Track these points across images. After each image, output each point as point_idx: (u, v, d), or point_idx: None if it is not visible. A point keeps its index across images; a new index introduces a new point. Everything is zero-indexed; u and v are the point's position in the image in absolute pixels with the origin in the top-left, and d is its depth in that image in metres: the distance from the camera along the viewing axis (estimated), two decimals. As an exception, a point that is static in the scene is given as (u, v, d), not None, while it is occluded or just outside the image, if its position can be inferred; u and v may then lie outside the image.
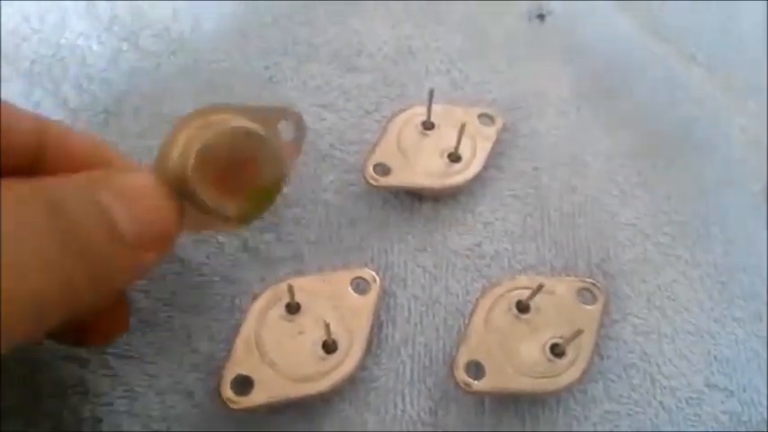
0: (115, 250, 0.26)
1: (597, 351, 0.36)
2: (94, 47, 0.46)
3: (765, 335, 0.38)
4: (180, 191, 0.29)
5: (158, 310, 0.36)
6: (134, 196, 0.27)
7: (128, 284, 0.29)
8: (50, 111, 0.42)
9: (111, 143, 0.40)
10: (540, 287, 0.35)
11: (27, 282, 0.23)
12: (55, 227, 0.24)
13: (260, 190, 0.32)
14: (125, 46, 0.46)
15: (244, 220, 0.32)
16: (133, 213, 0.27)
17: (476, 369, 0.34)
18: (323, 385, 0.33)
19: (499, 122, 0.43)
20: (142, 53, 0.46)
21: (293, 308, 0.35)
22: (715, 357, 0.38)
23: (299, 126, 0.36)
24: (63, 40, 0.46)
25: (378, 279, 0.37)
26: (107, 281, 0.26)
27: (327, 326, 0.33)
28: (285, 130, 0.35)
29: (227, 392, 0.32)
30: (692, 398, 0.36)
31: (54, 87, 0.44)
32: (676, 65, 0.50)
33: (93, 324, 0.31)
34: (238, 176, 0.31)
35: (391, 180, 0.40)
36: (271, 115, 0.34)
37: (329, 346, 0.34)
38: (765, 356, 0.38)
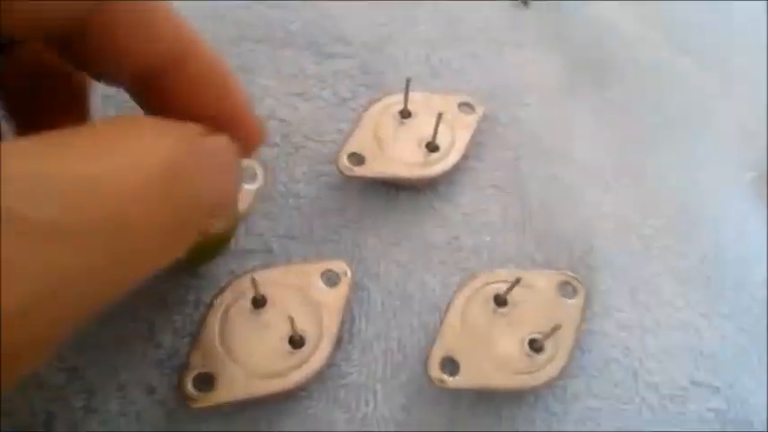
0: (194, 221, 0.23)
1: (578, 345, 0.35)
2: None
3: (753, 330, 0.37)
4: None
5: (120, 302, 0.35)
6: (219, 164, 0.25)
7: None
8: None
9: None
10: (517, 280, 0.34)
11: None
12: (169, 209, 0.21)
13: (205, 242, 0.32)
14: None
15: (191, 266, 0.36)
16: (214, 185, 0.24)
17: (451, 365, 0.32)
18: (289, 382, 0.32)
19: (479, 111, 0.42)
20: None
21: (258, 302, 0.33)
22: (701, 353, 0.36)
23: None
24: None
25: (349, 272, 0.35)
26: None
27: (292, 320, 0.32)
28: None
29: (189, 390, 0.31)
30: (676, 395, 0.35)
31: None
32: (666, 53, 0.49)
33: None
34: None
35: (366, 170, 0.38)
36: None
37: (296, 342, 0.33)
38: (752, 353, 0.36)
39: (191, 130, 0.23)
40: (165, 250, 0.22)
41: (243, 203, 0.35)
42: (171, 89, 0.26)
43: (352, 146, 0.39)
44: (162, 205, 0.21)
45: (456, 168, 0.40)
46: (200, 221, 0.24)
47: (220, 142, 0.25)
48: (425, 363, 0.32)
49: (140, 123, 0.23)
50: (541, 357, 0.33)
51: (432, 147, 0.39)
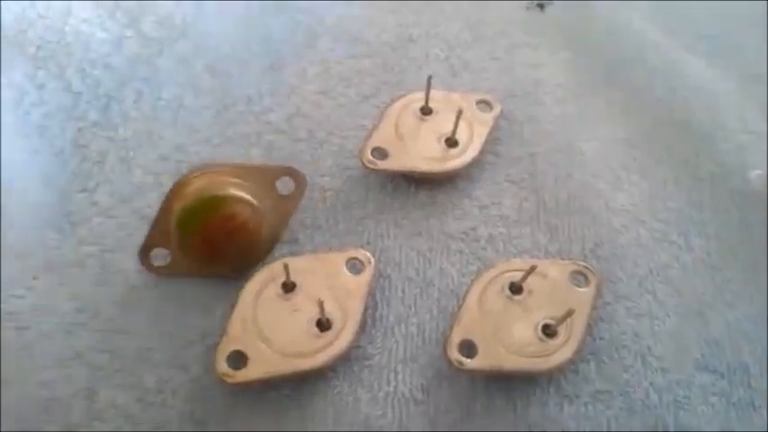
0: None
1: (590, 332, 0.37)
2: (98, 33, 0.47)
3: (755, 318, 0.39)
4: (176, 238, 0.36)
5: (153, 287, 0.37)
6: None
7: None
8: (54, 93, 0.43)
9: (113, 126, 0.42)
10: (532, 268, 0.35)
11: None
12: None
13: (248, 249, 0.37)
14: (128, 32, 0.47)
15: (236, 272, 0.37)
16: None
17: (468, 348, 0.34)
18: (316, 361, 0.34)
19: (497, 108, 0.43)
20: (145, 39, 0.47)
21: (288, 287, 0.36)
22: (706, 340, 0.38)
23: (300, 183, 0.39)
24: (68, 27, 0.47)
25: (372, 260, 0.37)
26: None
27: (321, 304, 0.34)
28: (285, 186, 0.38)
29: (223, 367, 0.33)
30: (682, 379, 0.37)
31: (58, 71, 0.44)
32: (675, 54, 0.50)
33: None
34: (230, 236, 0.36)
35: (388, 164, 0.40)
36: (270, 172, 0.38)
37: (323, 324, 0.35)
38: (755, 339, 0.38)
39: None
40: None
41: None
42: None
43: (376, 141, 0.41)
44: None
45: (474, 163, 0.42)
46: None
47: None
48: (444, 345, 0.34)
49: None
50: (554, 342, 0.35)
51: (451, 142, 0.41)
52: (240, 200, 0.36)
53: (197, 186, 0.36)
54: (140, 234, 0.37)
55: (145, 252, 0.36)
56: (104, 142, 0.42)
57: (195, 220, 0.35)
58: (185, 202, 0.35)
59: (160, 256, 0.37)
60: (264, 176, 0.37)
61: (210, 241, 0.36)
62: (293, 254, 0.39)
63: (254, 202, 0.36)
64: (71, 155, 0.41)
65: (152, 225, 0.36)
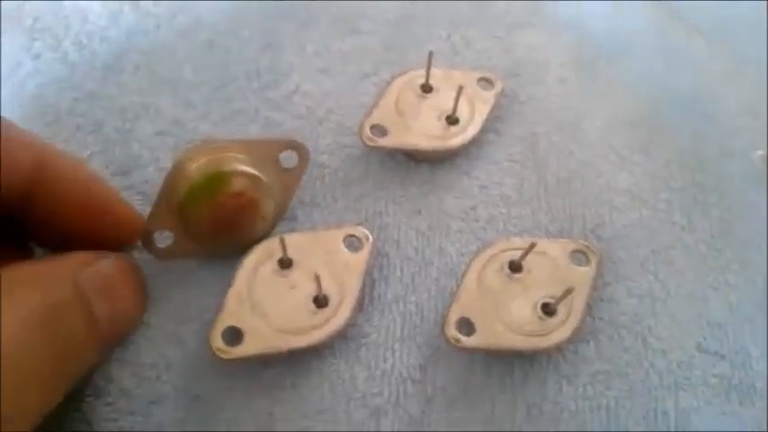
0: (90, 341, 0.29)
1: (589, 312, 0.36)
2: (96, 8, 0.46)
3: (758, 301, 0.38)
4: (181, 218, 0.34)
5: (151, 261, 0.36)
6: (111, 284, 0.31)
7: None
8: (49, 64, 0.43)
9: (109, 96, 0.41)
10: (532, 246, 0.35)
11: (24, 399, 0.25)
12: (49, 345, 0.26)
13: (255, 225, 0.37)
14: (126, 8, 0.46)
15: (242, 249, 0.36)
16: (109, 304, 0.31)
17: (466, 326, 0.34)
18: (312, 338, 0.33)
19: (498, 86, 0.43)
20: (143, 14, 0.46)
21: (285, 263, 0.35)
22: (707, 322, 0.37)
23: (303, 156, 0.38)
24: (66, 2, 0.47)
25: (370, 237, 0.37)
26: (76, 371, 0.29)
27: (318, 279, 0.33)
28: (288, 159, 0.37)
29: (218, 343, 0.33)
30: (683, 361, 0.36)
31: (55, 43, 0.44)
32: (677, 34, 0.50)
33: None
34: (239, 213, 0.35)
35: (388, 141, 0.40)
36: (273, 146, 0.37)
37: (320, 301, 0.34)
38: (757, 322, 0.38)
39: (67, 267, 0.29)
40: (62, 376, 0.28)
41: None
42: (40, 199, 0.31)
43: (375, 118, 0.40)
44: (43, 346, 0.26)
45: (474, 141, 0.41)
46: (103, 342, 0.30)
47: (104, 268, 0.31)
48: (442, 323, 0.34)
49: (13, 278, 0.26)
50: (553, 321, 0.34)
51: (451, 120, 0.41)
52: (247, 175, 0.35)
53: (202, 164, 0.35)
54: (137, 208, 0.37)
55: (146, 234, 0.35)
56: (100, 112, 0.41)
57: (202, 198, 0.34)
58: (190, 180, 0.34)
59: (162, 237, 0.36)
60: (267, 151, 0.36)
61: (219, 219, 0.35)
62: (292, 230, 0.38)
63: (262, 177, 0.36)
64: (65, 124, 0.41)
65: (153, 207, 0.35)
